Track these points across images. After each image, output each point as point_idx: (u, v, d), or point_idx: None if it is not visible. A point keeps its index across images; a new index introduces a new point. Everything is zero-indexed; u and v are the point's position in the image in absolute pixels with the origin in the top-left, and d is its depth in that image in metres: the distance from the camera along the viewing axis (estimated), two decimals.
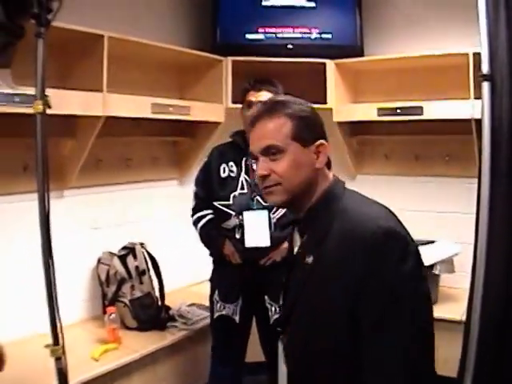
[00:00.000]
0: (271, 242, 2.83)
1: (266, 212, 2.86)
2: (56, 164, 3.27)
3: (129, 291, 3.39)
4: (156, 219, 4.06)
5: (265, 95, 2.85)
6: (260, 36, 4.10)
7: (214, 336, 3.10)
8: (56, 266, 3.23)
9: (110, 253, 3.53)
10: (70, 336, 3.13)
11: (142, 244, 3.59)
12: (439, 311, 3.61)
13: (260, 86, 2.90)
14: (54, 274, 1.83)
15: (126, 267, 3.43)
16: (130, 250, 3.54)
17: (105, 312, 3.22)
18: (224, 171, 2.96)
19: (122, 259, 3.46)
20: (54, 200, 3.27)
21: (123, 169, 3.76)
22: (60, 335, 1.84)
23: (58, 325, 1.82)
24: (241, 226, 2.87)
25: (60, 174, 3.32)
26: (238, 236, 2.88)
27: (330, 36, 4.11)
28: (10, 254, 3.09)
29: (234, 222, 2.91)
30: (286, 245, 2.86)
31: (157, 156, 4.03)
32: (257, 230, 2.84)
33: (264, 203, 2.85)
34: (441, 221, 4.10)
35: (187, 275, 4.23)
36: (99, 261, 3.53)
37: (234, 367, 3.05)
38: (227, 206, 2.92)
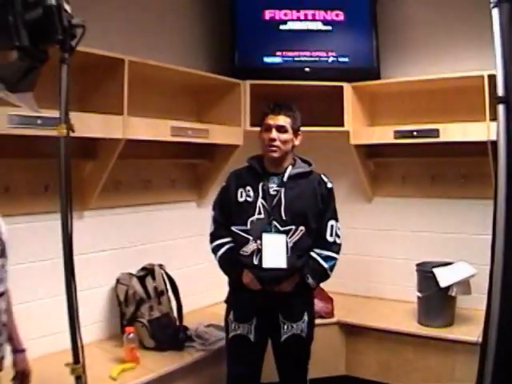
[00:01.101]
0: (287, 264, 2.86)
1: (283, 236, 2.88)
2: (76, 185, 3.31)
3: (147, 311, 3.42)
4: (174, 241, 4.09)
5: (283, 119, 2.91)
6: (278, 59, 4.16)
7: (229, 355, 3.10)
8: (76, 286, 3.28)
9: (129, 273, 3.57)
10: (88, 355, 3.13)
11: (160, 265, 3.62)
12: (456, 333, 3.63)
13: (279, 110, 2.93)
14: (75, 293, 1.85)
15: (144, 288, 3.47)
16: (148, 271, 3.58)
17: (123, 332, 3.25)
18: (241, 196, 2.97)
19: (141, 280, 3.50)
20: (74, 221, 3.33)
21: (142, 191, 3.80)
22: (80, 354, 1.85)
23: (79, 343, 1.84)
24: (259, 251, 2.89)
25: (80, 196, 3.36)
26: (256, 262, 2.90)
27: (346, 59, 4.17)
28: (31, 273, 3.13)
29: (251, 247, 2.92)
30: (295, 278, 2.92)
31: (175, 178, 4.07)
32: (274, 251, 2.86)
33: (280, 228, 2.88)
34: (457, 242, 4.10)
35: (205, 296, 4.25)
36: (118, 281, 3.55)
37: None
38: (244, 231, 2.94)
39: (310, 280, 2.92)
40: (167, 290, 3.59)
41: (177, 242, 4.11)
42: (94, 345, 3.43)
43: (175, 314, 3.57)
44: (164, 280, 3.59)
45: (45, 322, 3.16)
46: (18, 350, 2.29)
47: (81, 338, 1.83)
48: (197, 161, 4.17)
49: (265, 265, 2.85)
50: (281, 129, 2.91)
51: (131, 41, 3.58)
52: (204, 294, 4.25)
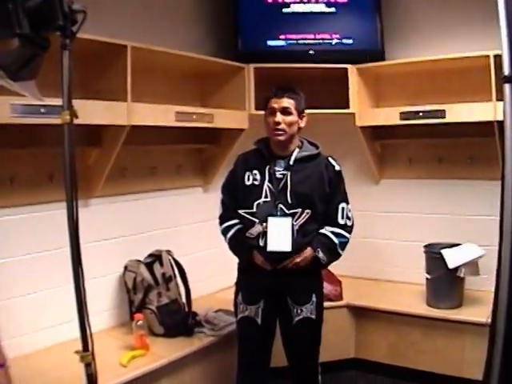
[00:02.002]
0: (293, 247, 2.85)
1: (289, 219, 2.87)
2: (82, 173, 3.31)
3: (156, 298, 3.42)
4: (182, 227, 4.09)
5: (286, 102, 2.89)
6: (281, 43, 4.14)
7: (238, 337, 3.12)
8: (84, 274, 3.29)
9: (137, 260, 3.57)
10: (97, 343, 3.15)
11: (168, 251, 3.62)
12: (464, 314, 3.62)
13: (282, 93, 2.91)
14: (83, 281, 1.85)
15: (152, 274, 3.47)
16: (156, 257, 3.58)
17: (132, 319, 3.25)
18: (248, 179, 2.97)
19: (149, 266, 3.50)
20: (80, 209, 3.31)
21: (148, 177, 3.80)
22: (90, 341, 1.86)
23: (88, 331, 1.84)
24: (264, 234, 2.88)
25: (86, 183, 3.36)
26: (261, 243, 2.90)
27: (350, 41, 4.14)
28: (39, 262, 3.14)
29: (257, 229, 2.92)
30: (309, 251, 2.90)
31: (181, 164, 4.06)
32: (279, 235, 2.85)
33: (286, 211, 2.88)
34: (465, 224, 4.09)
35: (213, 282, 4.26)
36: (126, 268, 3.56)
37: (260, 370, 3.06)
38: (251, 214, 2.94)
39: (321, 254, 2.90)
40: (175, 276, 3.58)
41: (184, 228, 4.11)
42: (104, 333, 3.44)
43: (184, 299, 3.57)
44: (172, 266, 3.59)
45: (53, 312, 3.17)
46: None
47: (89, 326, 1.83)
48: (202, 146, 4.15)
49: (269, 248, 2.85)
50: (285, 111, 2.89)
51: (135, 27, 3.56)
52: (212, 279, 4.26)
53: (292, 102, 2.91)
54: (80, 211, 3.23)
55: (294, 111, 2.91)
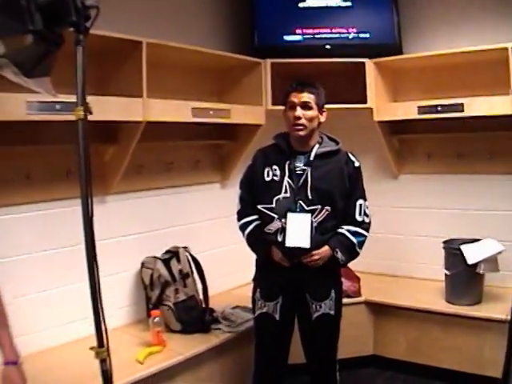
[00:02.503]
0: (311, 244, 2.82)
1: (308, 215, 2.84)
2: (98, 170, 3.33)
3: (173, 294, 3.41)
4: (199, 223, 4.08)
5: (307, 96, 2.85)
6: (298, 37, 4.11)
7: (256, 333, 3.11)
8: (100, 271, 3.30)
9: (154, 257, 3.56)
10: (114, 339, 3.16)
11: (185, 247, 3.61)
12: (484, 310, 3.58)
13: (302, 87, 2.88)
14: (98, 277, 1.84)
15: (169, 271, 3.46)
16: (173, 253, 3.58)
17: (149, 315, 3.26)
18: (268, 175, 2.94)
19: (166, 263, 3.50)
20: (96, 205, 3.31)
21: (165, 173, 3.79)
22: (105, 337, 1.85)
23: (103, 327, 1.83)
24: (283, 230, 2.86)
25: (102, 180, 3.38)
26: (279, 239, 2.87)
27: (367, 35, 4.10)
28: (55, 259, 3.15)
29: (276, 225, 2.90)
30: (326, 248, 2.87)
31: (198, 160, 4.05)
32: (298, 231, 2.83)
33: (306, 207, 2.85)
34: (484, 219, 4.04)
35: (231, 278, 4.24)
36: (143, 265, 3.56)
37: (277, 367, 3.04)
38: (270, 210, 2.92)
39: (339, 254, 2.87)
40: (192, 272, 3.58)
41: (201, 224, 4.09)
42: (120, 329, 3.46)
43: (201, 296, 3.56)
44: (189, 262, 3.58)
45: (69, 309, 3.18)
46: (7, 362, 1.99)
47: (104, 322, 1.83)
48: (220, 141, 4.14)
49: (288, 244, 2.82)
50: (305, 106, 2.85)
51: (150, 22, 3.55)
52: (230, 275, 4.25)
53: (312, 96, 2.86)
54: (96, 208, 3.23)
55: (315, 106, 2.86)
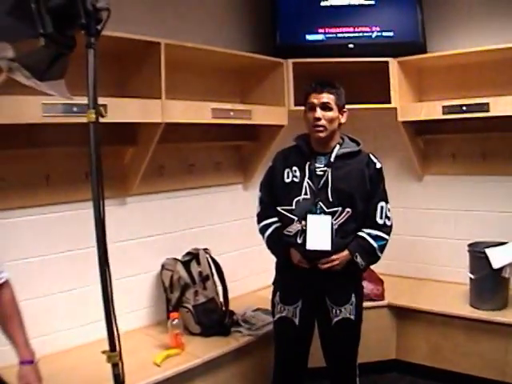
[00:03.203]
0: (332, 247, 2.78)
1: (329, 217, 2.80)
2: (118, 171, 3.34)
3: (192, 297, 3.40)
4: (221, 225, 4.06)
5: (326, 97, 2.81)
6: (320, 37, 4.06)
7: (275, 338, 3.08)
8: (120, 272, 3.31)
9: (174, 258, 3.56)
10: (133, 341, 3.22)
11: (205, 249, 3.60)
12: (509, 316, 3.50)
13: (321, 88, 2.83)
14: (110, 281, 1.83)
15: (189, 273, 3.45)
16: (193, 255, 3.56)
17: (168, 317, 3.24)
18: (288, 176, 2.91)
19: (186, 265, 3.48)
20: (117, 207, 3.39)
21: (186, 175, 3.78)
22: (117, 341, 1.84)
23: (115, 331, 1.82)
24: (303, 232, 2.82)
25: (122, 182, 3.38)
26: (299, 241, 2.84)
27: (391, 34, 4.03)
28: (73, 259, 3.16)
29: (296, 227, 2.86)
30: (346, 253, 2.82)
31: (220, 161, 4.03)
32: (319, 233, 2.79)
33: (326, 209, 2.81)
34: (511, 222, 3.93)
35: (253, 280, 4.22)
36: (163, 267, 3.56)
37: (296, 370, 3.01)
38: (290, 211, 2.88)
39: (359, 259, 2.82)
40: (212, 275, 3.56)
41: (223, 226, 4.08)
42: (140, 331, 3.47)
43: (221, 298, 3.54)
44: (209, 264, 3.56)
45: (86, 311, 3.17)
46: (23, 362, 2.06)
47: (117, 326, 1.82)
48: (241, 142, 4.12)
49: (308, 246, 2.78)
50: (325, 106, 2.80)
51: (170, 24, 3.57)
52: (252, 278, 4.22)
53: (332, 97, 2.82)
54: (117, 209, 3.27)
55: (335, 106, 2.82)
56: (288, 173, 2.91)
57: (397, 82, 3.98)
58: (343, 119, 2.89)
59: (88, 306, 3.14)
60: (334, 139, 2.89)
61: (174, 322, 3.15)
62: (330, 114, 2.81)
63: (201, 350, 3.17)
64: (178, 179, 3.74)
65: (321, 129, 2.81)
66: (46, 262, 3.06)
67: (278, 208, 2.94)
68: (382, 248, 2.88)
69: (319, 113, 2.80)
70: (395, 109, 4.00)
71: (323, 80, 2.90)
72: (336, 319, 2.88)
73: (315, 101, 2.82)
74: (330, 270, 2.80)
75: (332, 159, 2.85)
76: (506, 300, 3.63)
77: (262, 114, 3.79)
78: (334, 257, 2.79)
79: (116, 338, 1.84)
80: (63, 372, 2.79)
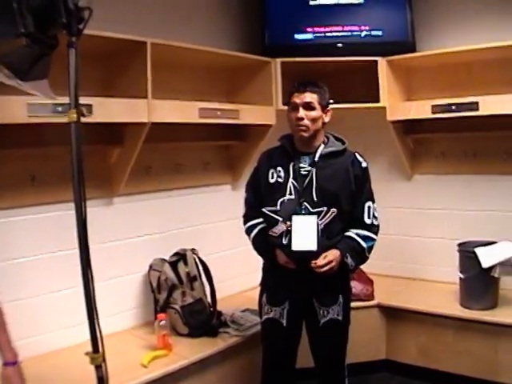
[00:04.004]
0: (318, 247, 2.76)
1: (314, 217, 2.78)
2: (105, 172, 3.33)
3: (180, 297, 3.38)
4: (209, 225, 4.04)
5: (309, 96, 2.79)
6: (309, 36, 4.04)
7: (262, 339, 3.06)
8: (108, 273, 3.29)
9: (162, 259, 3.54)
10: (121, 342, 3.21)
11: (193, 250, 3.57)
12: (499, 315, 3.49)
13: (304, 87, 2.81)
14: (92, 282, 1.82)
15: (176, 273, 3.43)
16: (180, 256, 3.54)
17: (156, 318, 3.22)
18: (272, 176, 2.89)
19: (173, 265, 3.47)
20: (103, 207, 3.37)
21: (174, 174, 3.76)
22: (100, 342, 1.82)
23: (98, 332, 1.81)
24: (288, 232, 2.80)
25: (109, 182, 3.36)
26: (285, 242, 2.81)
27: (380, 33, 4.02)
28: (58, 261, 3.13)
29: (281, 228, 2.83)
30: (337, 252, 2.77)
31: (208, 161, 4.01)
32: (304, 234, 2.76)
33: (311, 209, 2.79)
34: (500, 220, 3.94)
35: (242, 280, 4.20)
36: (151, 267, 3.54)
37: (285, 371, 2.98)
38: (275, 212, 2.86)
39: (349, 260, 2.80)
40: (200, 275, 3.53)
41: (212, 226, 4.06)
42: (128, 332, 3.45)
43: (209, 299, 3.52)
44: (197, 265, 3.54)
45: (70, 313, 3.13)
46: (6, 363, 2.03)
47: (99, 327, 1.80)
48: (230, 142, 4.10)
49: (294, 247, 2.76)
50: (308, 106, 2.78)
51: (158, 23, 3.55)
52: (241, 278, 4.20)
53: (315, 96, 2.80)
54: (104, 210, 3.25)
55: (318, 106, 2.79)
56: (272, 173, 2.89)
57: (386, 82, 3.97)
58: (327, 118, 2.86)
59: (75, 307, 3.09)
60: (318, 139, 2.87)
61: (161, 323, 3.13)
62: (312, 114, 2.78)
63: (188, 350, 3.15)
64: (165, 179, 3.71)
65: (304, 128, 2.78)
66: (32, 263, 3.03)
67: (263, 209, 2.92)
68: (371, 249, 2.87)
69: (302, 112, 2.78)
70: (384, 108, 3.99)
71: (306, 79, 2.88)
72: (324, 320, 2.86)
73: (298, 100, 2.80)
74: (326, 273, 2.75)
75: (316, 159, 2.82)
76: (495, 299, 3.62)
77: (250, 114, 3.77)
78: (328, 258, 2.75)
79: (99, 340, 1.83)
80: (49, 374, 2.76)
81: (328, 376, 3.00)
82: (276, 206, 2.85)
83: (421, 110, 3.84)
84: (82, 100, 2.69)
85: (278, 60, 3.91)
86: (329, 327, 2.86)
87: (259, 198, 2.97)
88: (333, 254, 2.76)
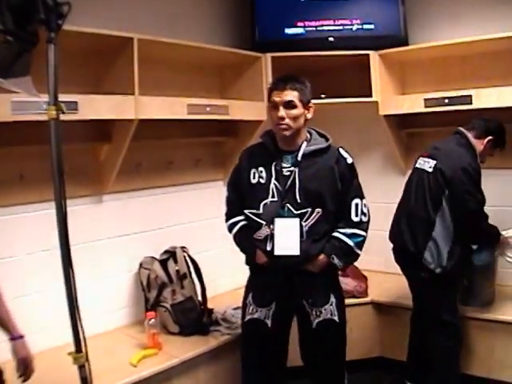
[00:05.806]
0: (301, 251, 2.70)
1: (296, 220, 2.70)
2: (94, 169, 3.32)
3: (170, 296, 3.36)
4: (201, 222, 4.01)
5: (289, 94, 2.67)
6: (300, 30, 4.01)
7: (244, 341, 2.99)
8: (99, 272, 3.27)
9: (152, 257, 3.52)
10: (111, 341, 3.19)
11: (183, 248, 3.55)
12: (496, 312, 3.45)
13: (284, 84, 2.69)
14: (74, 282, 1.81)
15: (166, 271, 3.41)
16: (170, 254, 3.52)
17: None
18: (254, 177, 2.79)
19: (163, 263, 3.45)
20: (93, 205, 3.34)
21: (164, 171, 3.73)
22: (83, 342, 1.80)
23: (81, 332, 1.78)
24: (272, 236, 2.73)
25: (98, 180, 3.34)
26: (268, 248, 2.75)
27: (372, 26, 3.99)
28: (48, 260, 3.06)
29: (265, 231, 2.76)
30: (323, 257, 2.75)
31: (199, 157, 3.97)
32: (287, 237, 2.69)
33: (294, 211, 2.71)
34: (495, 215, 3.87)
35: (235, 278, 4.14)
36: (141, 265, 3.52)
37: (270, 373, 2.91)
38: (257, 215, 2.79)
39: (336, 260, 2.74)
40: (190, 273, 3.50)
41: (203, 224, 4.02)
42: (119, 330, 3.43)
43: (200, 297, 3.49)
44: (187, 263, 3.51)
45: (62, 312, 3.10)
46: (14, 338, 2.19)
47: (82, 327, 1.80)
48: (221, 138, 4.08)
49: (276, 252, 2.71)
50: (288, 105, 2.66)
51: (146, 19, 3.51)
52: (233, 276, 4.14)
53: (295, 93, 2.67)
54: (93, 207, 3.23)
55: (299, 103, 2.67)
56: (254, 173, 2.80)
57: (378, 76, 3.94)
58: (309, 115, 2.75)
59: (63, 307, 3.08)
60: (301, 136, 2.76)
61: (151, 322, 3.11)
62: (294, 112, 2.67)
63: (179, 349, 3.13)
64: (156, 176, 3.69)
65: (285, 127, 2.67)
66: (19, 262, 3.01)
67: (246, 211, 2.85)
68: (360, 244, 2.79)
69: (282, 112, 2.66)
70: (376, 102, 3.95)
71: (286, 76, 2.77)
72: (317, 321, 2.78)
73: (277, 99, 2.68)
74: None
75: (299, 158, 2.73)
76: (492, 296, 3.59)
77: (240, 110, 3.74)
78: (308, 265, 2.73)
79: (82, 339, 1.81)
80: (34, 375, 2.73)
81: (326, 379, 2.94)
82: (259, 209, 2.77)
83: (414, 103, 3.81)
84: (68, 97, 2.68)
85: (269, 55, 3.89)
86: (324, 328, 2.78)
87: (241, 197, 2.90)
88: (318, 266, 2.74)
